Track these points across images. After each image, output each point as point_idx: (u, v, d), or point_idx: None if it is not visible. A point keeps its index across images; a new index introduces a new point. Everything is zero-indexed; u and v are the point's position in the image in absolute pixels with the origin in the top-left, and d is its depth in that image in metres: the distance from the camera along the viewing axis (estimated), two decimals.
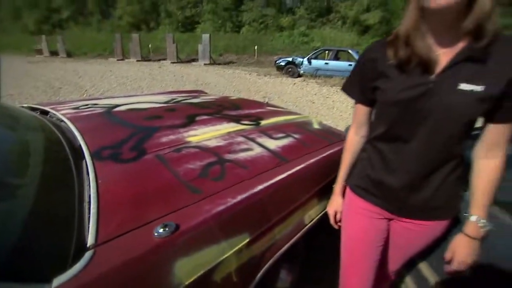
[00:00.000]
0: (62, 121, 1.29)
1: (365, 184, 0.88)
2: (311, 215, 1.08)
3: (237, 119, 1.50)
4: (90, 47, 21.98)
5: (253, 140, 1.25)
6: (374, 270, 0.94)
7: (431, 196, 0.77)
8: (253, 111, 1.76)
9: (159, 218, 0.68)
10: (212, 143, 1.14)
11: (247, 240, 0.78)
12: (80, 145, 1.02)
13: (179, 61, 16.28)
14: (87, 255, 0.57)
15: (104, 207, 0.70)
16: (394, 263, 1.00)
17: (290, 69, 11.38)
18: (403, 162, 0.77)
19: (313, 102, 6.76)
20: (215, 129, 1.31)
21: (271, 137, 1.31)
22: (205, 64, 15.18)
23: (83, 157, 0.95)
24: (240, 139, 1.23)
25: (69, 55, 20.19)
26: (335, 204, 1.02)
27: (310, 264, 1.48)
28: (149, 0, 28.93)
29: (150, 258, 0.60)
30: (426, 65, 0.68)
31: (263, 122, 1.52)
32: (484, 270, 0.82)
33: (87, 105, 1.60)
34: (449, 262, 0.82)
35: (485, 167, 0.75)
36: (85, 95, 6.61)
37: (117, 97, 2.03)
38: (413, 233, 0.87)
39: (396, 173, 0.79)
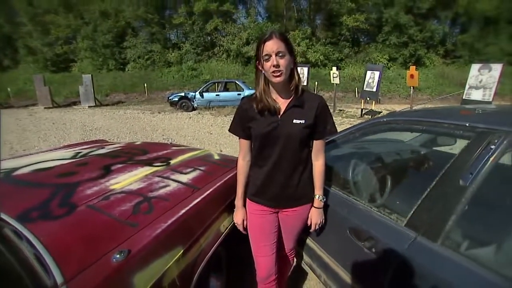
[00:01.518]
0: None
1: (255, 192, 1.30)
2: (225, 225, 1.43)
3: (149, 163, 1.74)
4: None
5: (168, 178, 1.53)
6: (274, 249, 1.35)
7: (294, 190, 1.26)
8: (160, 153, 2.02)
9: (111, 250, 0.90)
10: (135, 187, 1.36)
11: (182, 251, 1.06)
12: None
13: (56, 105, 14.24)
14: None
15: (58, 255, 0.85)
16: (289, 243, 1.44)
17: (184, 104, 11.67)
18: (271, 172, 1.23)
19: (211, 133, 7.24)
20: (133, 174, 1.52)
21: (181, 173, 1.62)
22: (89, 106, 13.78)
23: (6, 223, 1.02)
24: (157, 179, 1.49)
25: None
26: (240, 215, 1.37)
27: (233, 271, 1.80)
28: None
29: (114, 278, 0.82)
30: (274, 111, 1.17)
31: (172, 162, 1.81)
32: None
33: None
34: (310, 226, 1.34)
35: (316, 166, 1.29)
36: None
37: (4, 159, 1.89)
38: (291, 218, 1.33)
39: (270, 180, 1.24)
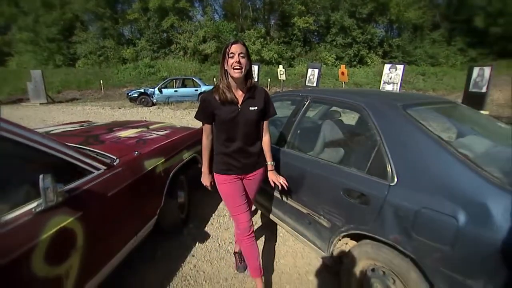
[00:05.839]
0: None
1: (223, 166, 1.64)
2: (185, 156, 2.51)
3: (136, 127, 2.76)
4: None
5: (150, 133, 2.57)
6: (248, 207, 1.73)
7: (255, 159, 1.67)
8: (140, 123, 3.03)
9: (132, 152, 1.94)
10: (133, 135, 2.38)
11: (163, 159, 2.13)
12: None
13: None
14: (118, 160, 1.78)
15: (107, 151, 1.86)
16: (251, 200, 1.84)
17: (143, 100, 12.09)
18: (238, 148, 1.59)
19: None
20: (128, 132, 2.54)
21: (158, 131, 2.67)
22: (41, 103, 13.35)
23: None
24: (144, 133, 2.53)
25: None
26: (207, 178, 1.76)
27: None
28: None
29: (137, 159, 1.88)
30: (234, 101, 1.51)
31: (151, 127, 2.85)
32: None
33: None
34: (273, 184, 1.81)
35: (265, 140, 1.72)
36: None
37: None
38: (252, 180, 1.73)
39: (237, 154, 1.61)
